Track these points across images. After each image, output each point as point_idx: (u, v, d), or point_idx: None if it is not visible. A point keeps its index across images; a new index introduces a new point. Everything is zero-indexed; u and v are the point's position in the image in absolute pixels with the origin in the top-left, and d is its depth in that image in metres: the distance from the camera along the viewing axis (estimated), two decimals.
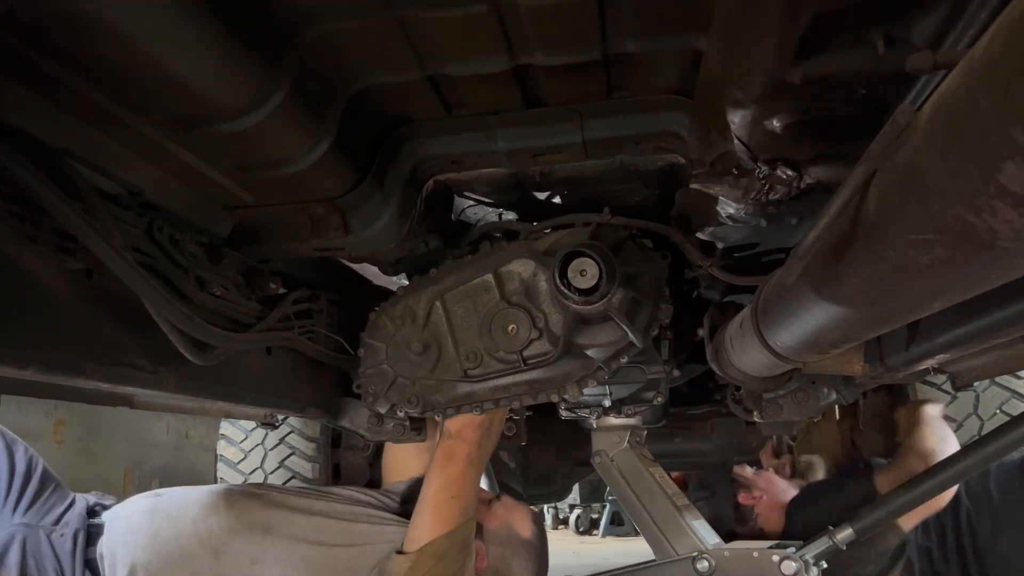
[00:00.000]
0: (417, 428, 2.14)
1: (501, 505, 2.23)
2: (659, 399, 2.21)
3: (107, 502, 2.08)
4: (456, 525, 1.88)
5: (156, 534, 1.93)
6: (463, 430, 1.92)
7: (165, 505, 2.01)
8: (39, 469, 2.04)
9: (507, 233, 1.89)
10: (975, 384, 2.94)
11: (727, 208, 1.47)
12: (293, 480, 3.40)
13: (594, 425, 2.51)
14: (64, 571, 1.85)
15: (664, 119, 1.45)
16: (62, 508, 2.00)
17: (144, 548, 1.91)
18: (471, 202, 1.84)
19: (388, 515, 2.12)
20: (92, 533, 1.95)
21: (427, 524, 1.89)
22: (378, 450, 3.55)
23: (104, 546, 1.92)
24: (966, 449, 2.14)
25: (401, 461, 2.39)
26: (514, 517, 2.21)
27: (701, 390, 2.99)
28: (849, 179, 0.83)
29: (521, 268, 1.75)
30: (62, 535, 1.90)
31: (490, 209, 1.89)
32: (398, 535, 1.96)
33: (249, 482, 3.30)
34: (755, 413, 2.21)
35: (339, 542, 1.99)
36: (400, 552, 1.90)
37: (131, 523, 1.95)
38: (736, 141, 1.25)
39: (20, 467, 2.00)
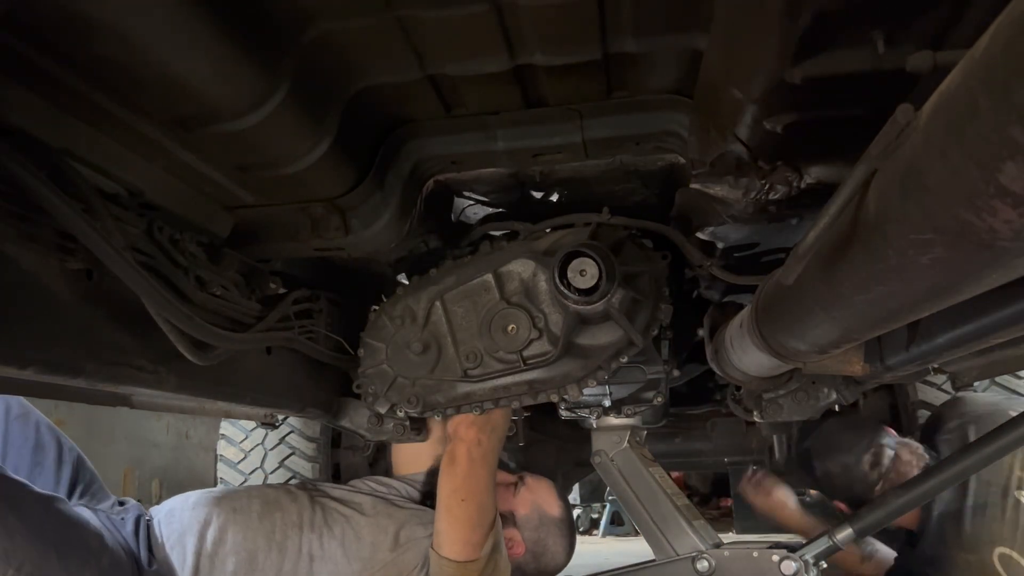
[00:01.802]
0: (417, 428, 2.14)
1: (526, 489, 2.25)
2: (659, 399, 2.21)
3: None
4: (474, 530, 1.87)
5: (224, 527, 1.95)
6: (458, 429, 1.93)
7: (228, 500, 2.04)
8: (87, 463, 2.09)
9: (507, 233, 1.89)
10: (975, 384, 2.93)
11: (727, 208, 1.47)
12: (293, 480, 3.40)
13: (594, 425, 2.51)
14: (128, 542, 1.87)
15: (664, 119, 1.45)
16: (112, 500, 2.04)
17: (214, 541, 1.93)
18: (471, 202, 1.84)
19: (415, 507, 2.15)
20: (148, 526, 1.97)
21: (445, 530, 1.90)
22: (378, 450, 3.56)
23: (164, 531, 1.95)
24: (966, 449, 2.14)
25: (412, 452, 2.40)
26: (541, 498, 2.24)
27: (701, 390, 2.99)
28: (849, 179, 0.83)
29: (521, 268, 1.75)
30: (123, 519, 1.93)
31: (490, 209, 1.89)
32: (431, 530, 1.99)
33: (305, 479, 3.30)
34: (755, 413, 2.21)
35: (386, 540, 2.02)
36: (434, 551, 1.91)
37: (197, 515, 1.98)
38: (736, 141, 1.25)
39: (70, 456, 2.05)
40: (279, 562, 1.95)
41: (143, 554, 1.88)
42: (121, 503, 2.06)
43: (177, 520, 1.98)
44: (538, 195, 1.78)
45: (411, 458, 2.39)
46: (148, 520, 1.98)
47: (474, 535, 1.87)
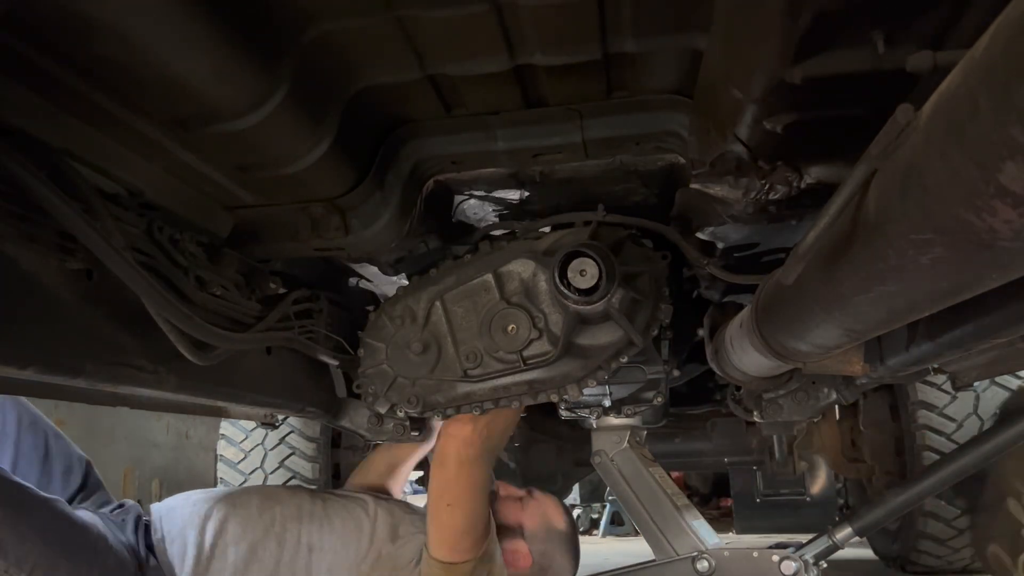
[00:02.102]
0: (417, 428, 2.14)
1: (535, 502, 2.22)
2: (659, 399, 2.21)
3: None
4: (462, 537, 1.83)
5: (224, 520, 1.95)
6: (450, 425, 1.86)
7: (228, 496, 2.04)
8: (95, 472, 2.09)
9: (507, 233, 1.89)
10: (975, 384, 2.94)
11: (727, 208, 1.47)
12: (293, 480, 3.40)
13: (594, 425, 2.51)
14: (130, 543, 1.86)
15: (664, 119, 1.44)
16: (112, 504, 2.04)
17: (214, 533, 1.93)
18: (473, 200, 1.84)
19: (417, 506, 2.15)
20: (146, 524, 1.97)
21: (432, 533, 1.87)
22: None
23: (164, 526, 1.94)
24: (964, 447, 2.14)
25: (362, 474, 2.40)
26: (548, 512, 2.22)
27: (701, 390, 2.99)
28: (849, 179, 0.83)
29: (521, 268, 1.75)
30: (123, 520, 1.92)
31: (490, 209, 1.89)
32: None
33: (252, 484, 3.32)
34: (755, 413, 2.21)
35: (386, 533, 2.02)
36: (425, 548, 1.90)
37: (197, 510, 1.98)
38: (736, 141, 1.25)
39: (80, 465, 2.05)
40: (278, 553, 1.95)
41: (143, 552, 1.88)
42: (120, 505, 2.06)
43: (178, 516, 1.98)
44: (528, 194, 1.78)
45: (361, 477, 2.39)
46: (147, 520, 1.98)
47: (462, 542, 1.83)
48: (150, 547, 1.91)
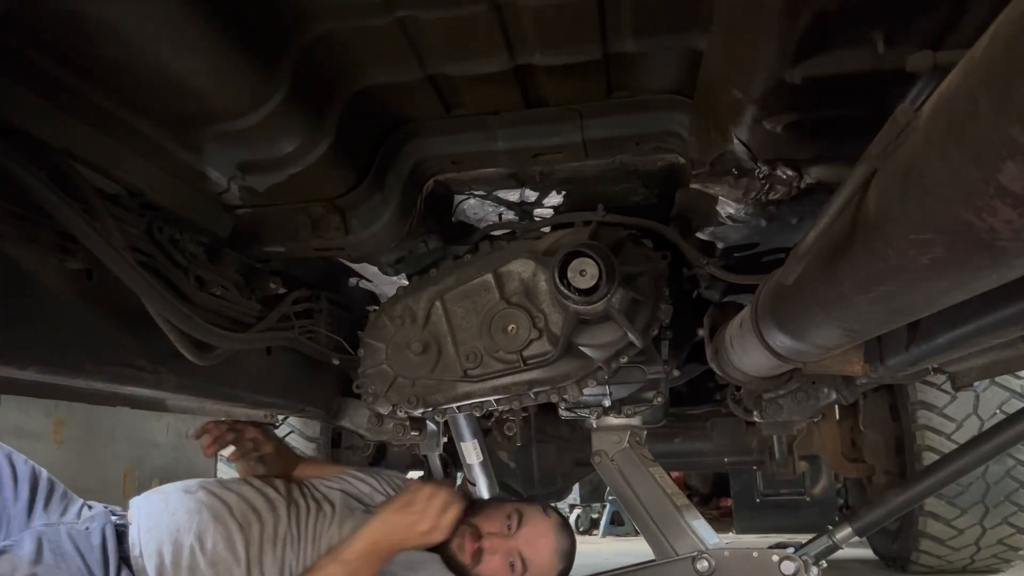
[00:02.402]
0: (417, 428, 2.14)
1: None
2: (659, 399, 2.21)
3: (116, 509, 2.05)
4: None
5: (201, 536, 1.92)
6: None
7: (209, 507, 1.99)
8: (44, 473, 2.01)
9: (507, 232, 1.89)
10: (975, 384, 2.93)
11: (727, 208, 1.47)
12: None
13: (594, 425, 2.51)
14: (91, 567, 1.80)
15: (664, 119, 1.45)
16: (77, 507, 1.98)
17: (190, 551, 1.88)
18: (473, 200, 1.84)
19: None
20: (119, 531, 1.90)
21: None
22: (378, 450, 3.55)
23: (143, 539, 1.88)
24: (963, 447, 2.14)
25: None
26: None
27: (701, 390, 2.99)
28: (849, 179, 0.83)
29: (521, 268, 1.75)
30: (87, 528, 1.86)
31: (490, 208, 1.89)
32: None
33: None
34: (755, 413, 2.21)
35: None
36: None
37: (176, 520, 1.93)
38: (736, 141, 1.25)
39: (25, 472, 1.97)
40: (253, 542, 1.93)
41: (112, 566, 1.81)
42: (90, 506, 1.99)
43: (155, 527, 1.91)
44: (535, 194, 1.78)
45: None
46: (119, 524, 1.90)
47: None
48: (124, 559, 1.84)
